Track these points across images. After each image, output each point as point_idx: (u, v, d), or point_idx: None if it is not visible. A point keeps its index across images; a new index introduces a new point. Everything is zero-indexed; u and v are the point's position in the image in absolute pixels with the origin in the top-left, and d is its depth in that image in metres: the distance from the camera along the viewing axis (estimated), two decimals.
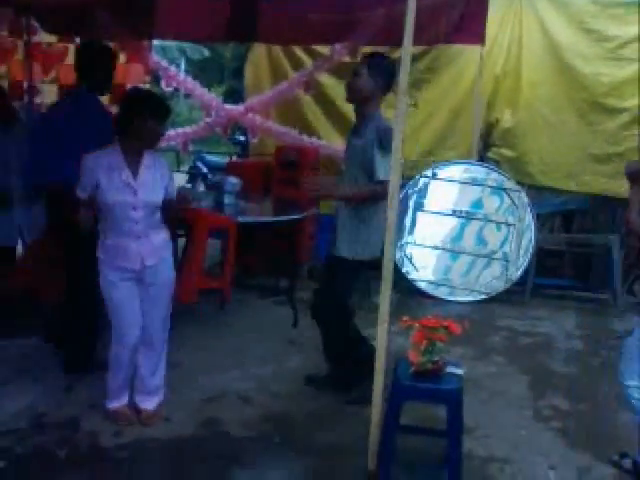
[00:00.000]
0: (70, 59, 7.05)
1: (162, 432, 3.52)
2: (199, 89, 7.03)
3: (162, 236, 3.47)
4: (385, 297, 3.04)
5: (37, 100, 7.08)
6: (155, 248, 3.42)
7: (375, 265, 3.61)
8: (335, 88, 6.89)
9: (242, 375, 4.26)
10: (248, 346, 4.76)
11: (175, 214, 3.62)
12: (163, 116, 3.33)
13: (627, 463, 3.34)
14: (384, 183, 3.31)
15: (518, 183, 6.31)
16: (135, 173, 3.31)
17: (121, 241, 3.33)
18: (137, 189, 3.30)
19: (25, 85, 6.65)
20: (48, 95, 7.14)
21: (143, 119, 3.24)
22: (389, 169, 3.24)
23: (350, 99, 3.80)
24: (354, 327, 3.99)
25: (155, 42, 11.76)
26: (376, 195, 3.56)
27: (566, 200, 6.57)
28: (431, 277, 6.23)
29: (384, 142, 3.45)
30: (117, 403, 3.59)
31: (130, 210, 3.29)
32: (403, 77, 2.87)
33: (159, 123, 3.32)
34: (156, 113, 3.29)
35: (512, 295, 6.13)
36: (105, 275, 3.38)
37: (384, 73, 3.67)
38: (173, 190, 3.53)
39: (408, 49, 2.85)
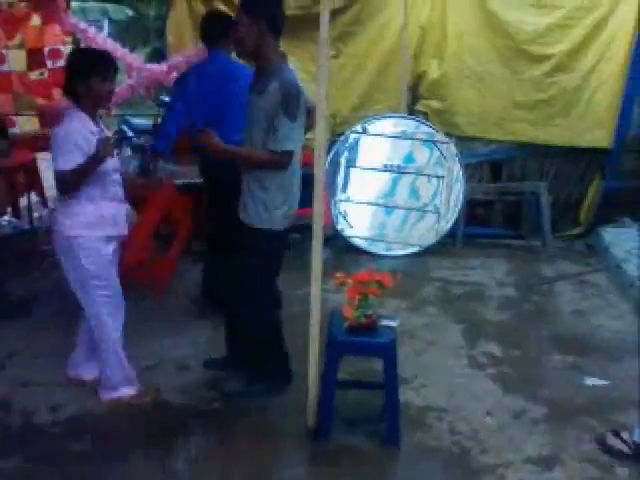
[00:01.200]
0: (35, 21, 6.76)
1: (99, 404, 3.45)
2: (120, 50, 6.76)
3: None
4: (317, 254, 3.02)
5: (4, 68, 6.79)
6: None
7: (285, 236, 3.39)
8: None
9: (178, 342, 4.20)
10: (182, 312, 4.68)
11: None
12: (114, 74, 3.26)
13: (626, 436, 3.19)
14: (287, 154, 3.12)
15: (447, 135, 6.34)
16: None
17: (111, 207, 3.26)
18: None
19: None
20: (14, 62, 6.84)
21: (100, 80, 3.16)
22: (295, 138, 3.11)
23: (241, 55, 3.36)
24: (277, 317, 3.62)
25: (75, 3, 11.31)
26: (276, 166, 3.17)
27: (494, 150, 6.65)
28: (366, 233, 6.23)
29: (290, 107, 3.08)
30: (130, 387, 3.47)
31: (116, 174, 3.29)
32: (323, 28, 2.80)
33: (112, 81, 3.25)
34: (108, 72, 3.22)
35: (444, 246, 6.21)
36: (99, 250, 3.23)
37: (264, 11, 3.13)
38: None
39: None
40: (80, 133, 3.12)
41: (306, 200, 3.22)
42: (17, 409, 3.43)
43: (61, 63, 6.79)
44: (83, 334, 3.52)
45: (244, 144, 3.33)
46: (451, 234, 6.26)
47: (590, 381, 3.85)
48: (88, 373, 3.55)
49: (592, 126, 6.42)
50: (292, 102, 3.09)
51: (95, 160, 3.07)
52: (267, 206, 3.23)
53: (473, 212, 6.57)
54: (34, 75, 7.02)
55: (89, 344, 3.48)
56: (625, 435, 3.16)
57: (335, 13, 6.15)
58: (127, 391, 3.43)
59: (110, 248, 3.28)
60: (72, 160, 3.07)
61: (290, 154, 3.15)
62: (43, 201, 6.57)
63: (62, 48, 6.96)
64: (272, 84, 3.10)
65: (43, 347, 4.07)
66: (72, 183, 3.11)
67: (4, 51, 6.84)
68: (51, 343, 4.06)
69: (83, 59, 3.28)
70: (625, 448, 3.12)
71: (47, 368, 3.78)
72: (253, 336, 3.50)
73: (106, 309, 3.30)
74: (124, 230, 3.37)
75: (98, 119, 3.32)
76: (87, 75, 3.14)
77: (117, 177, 3.31)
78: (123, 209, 3.37)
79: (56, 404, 3.46)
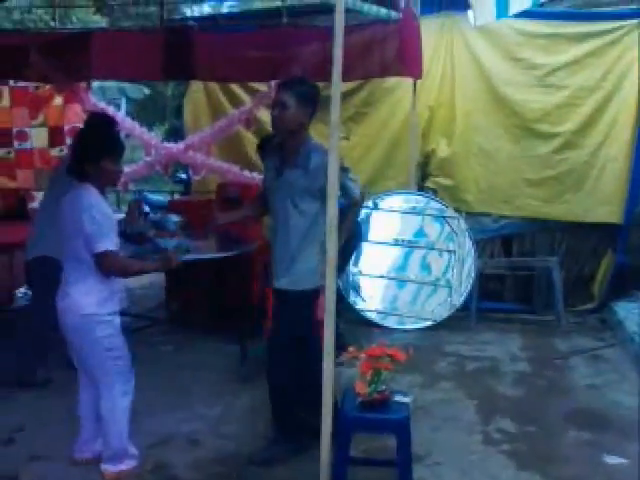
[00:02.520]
0: (57, 101, 7.10)
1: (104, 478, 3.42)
2: (138, 129, 7.01)
3: None
4: (329, 328, 3.04)
5: (27, 145, 7.08)
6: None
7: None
8: None
9: (189, 416, 4.18)
10: (194, 385, 4.68)
11: None
12: (120, 155, 3.30)
13: None
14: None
15: (456, 210, 6.44)
16: None
17: (115, 283, 3.34)
18: None
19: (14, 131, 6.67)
20: (37, 139, 7.14)
21: (111, 161, 3.22)
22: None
23: (280, 132, 3.55)
24: None
25: (94, 83, 11.74)
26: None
27: (504, 225, 6.72)
28: (379, 306, 6.26)
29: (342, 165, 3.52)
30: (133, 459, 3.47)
31: None
32: (334, 111, 2.91)
33: (118, 162, 3.30)
34: (119, 153, 3.28)
35: (458, 320, 6.20)
36: (112, 323, 3.28)
37: (311, 100, 3.50)
38: None
39: (337, 83, 2.90)
40: (108, 211, 3.24)
41: None
42: None
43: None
44: (88, 413, 3.48)
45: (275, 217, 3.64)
46: (464, 308, 6.26)
47: (610, 459, 3.77)
48: (97, 450, 3.51)
49: (601, 202, 6.51)
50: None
51: (158, 269, 3.51)
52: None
53: (486, 286, 6.58)
54: (54, 151, 7.26)
55: (95, 421, 3.45)
56: None
57: (346, 95, 6.37)
58: (131, 463, 3.41)
59: (118, 319, 3.34)
60: (113, 240, 3.18)
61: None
62: None
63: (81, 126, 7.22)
64: (310, 155, 3.47)
65: (54, 419, 4.06)
66: (122, 270, 3.29)
67: (28, 129, 7.11)
68: (62, 415, 4.06)
69: (94, 139, 3.31)
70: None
71: (56, 441, 3.78)
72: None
73: (121, 377, 3.31)
74: (124, 303, 3.57)
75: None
76: (99, 157, 3.17)
77: None
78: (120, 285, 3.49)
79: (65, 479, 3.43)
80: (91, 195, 3.18)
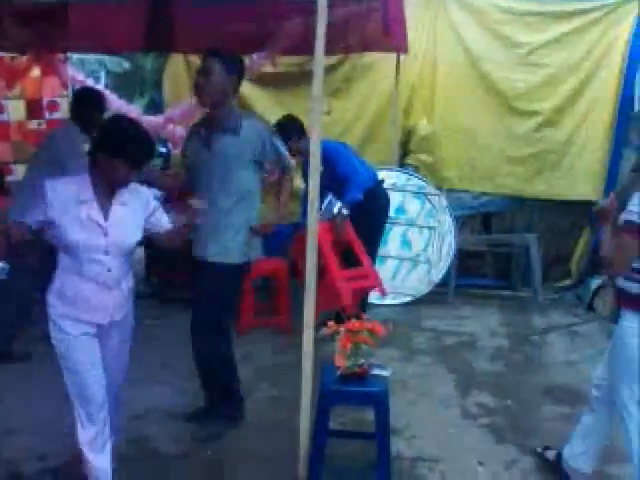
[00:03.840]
0: (35, 73, 6.93)
1: None
2: (117, 101, 6.91)
3: (130, 283, 2.98)
4: (309, 303, 3.05)
5: (3, 116, 6.92)
6: (125, 298, 2.93)
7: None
8: (258, 97, 6.89)
9: (169, 390, 4.20)
10: (174, 360, 4.68)
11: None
12: (138, 163, 2.74)
13: (550, 454, 3.44)
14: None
15: (437, 187, 6.46)
16: (106, 211, 2.77)
17: (85, 289, 2.76)
18: (108, 230, 2.76)
19: None
20: (13, 111, 6.97)
21: (125, 165, 2.69)
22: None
23: (204, 100, 3.42)
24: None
25: (74, 55, 11.53)
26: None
27: (484, 202, 6.76)
28: None
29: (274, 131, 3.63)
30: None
31: (100, 254, 2.75)
32: (316, 85, 2.89)
33: (132, 168, 2.72)
34: (139, 161, 2.75)
35: (436, 296, 6.25)
36: (60, 327, 2.78)
37: (236, 67, 3.47)
38: (161, 220, 3.00)
39: (320, 57, 2.88)
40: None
41: None
42: (4, 458, 3.40)
43: (58, 115, 6.92)
44: None
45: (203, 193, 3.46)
46: (443, 284, 6.31)
47: None
48: None
49: (581, 180, 6.57)
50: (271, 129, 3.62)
51: None
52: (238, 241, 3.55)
53: (464, 263, 6.63)
54: (32, 125, 7.13)
55: None
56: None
57: (328, 70, 6.33)
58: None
59: (80, 330, 2.79)
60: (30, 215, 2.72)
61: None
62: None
63: (59, 100, 7.10)
64: (242, 124, 3.43)
65: (34, 394, 4.06)
66: None
67: (3, 101, 6.97)
68: (42, 390, 4.05)
69: (120, 133, 2.72)
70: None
71: (36, 415, 3.78)
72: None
73: (75, 398, 2.88)
74: (103, 318, 2.84)
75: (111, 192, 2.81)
76: (115, 152, 2.68)
77: (103, 258, 2.76)
78: (108, 296, 2.82)
79: (44, 453, 3.43)
80: (72, 178, 2.80)
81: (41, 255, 3.75)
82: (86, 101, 4.83)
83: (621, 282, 2.87)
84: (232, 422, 3.72)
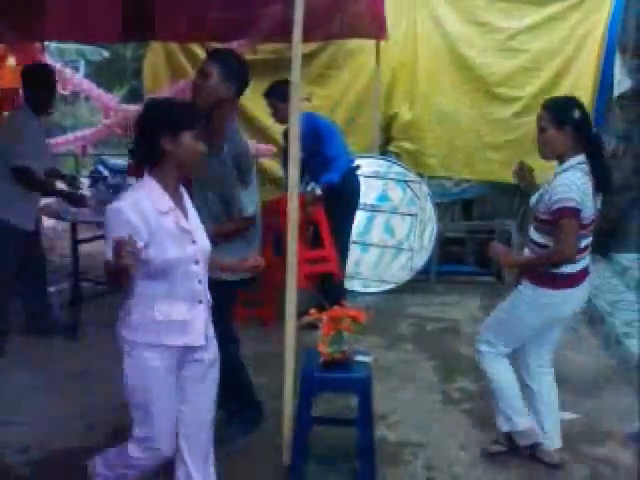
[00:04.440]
0: (10, 62, 6.80)
1: (72, 443, 3.43)
2: (96, 90, 6.86)
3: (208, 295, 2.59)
4: (291, 292, 3.06)
5: None
6: (209, 311, 2.57)
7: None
8: None
9: None
10: None
11: None
12: (196, 125, 2.42)
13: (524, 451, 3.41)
14: (251, 217, 3.16)
15: (418, 174, 6.47)
16: (185, 213, 2.46)
17: (179, 310, 2.40)
18: (194, 235, 2.44)
19: None
20: None
21: (192, 136, 2.38)
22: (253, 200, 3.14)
23: (198, 102, 3.12)
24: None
25: (52, 44, 11.40)
26: (243, 231, 3.21)
27: (465, 189, 6.79)
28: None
29: (244, 172, 3.12)
30: None
31: (192, 264, 2.42)
32: (295, 72, 2.88)
33: (196, 137, 2.41)
34: (188, 123, 2.40)
35: (419, 283, 6.28)
36: (144, 359, 2.39)
37: (236, 75, 3.19)
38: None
39: (298, 43, 2.87)
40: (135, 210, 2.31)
41: None
42: None
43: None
44: None
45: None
46: (425, 271, 6.34)
47: (562, 415, 3.88)
48: None
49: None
50: (245, 168, 3.13)
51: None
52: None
53: (446, 250, 6.67)
54: (6, 114, 7.04)
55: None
56: (500, 438, 3.42)
57: (309, 57, 6.31)
58: None
59: (165, 362, 2.41)
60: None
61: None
62: None
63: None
64: (228, 144, 3.12)
65: (18, 385, 4.04)
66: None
67: None
68: (26, 381, 4.04)
69: (169, 109, 2.42)
70: (502, 447, 3.40)
71: (24, 406, 3.78)
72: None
73: (139, 431, 2.53)
74: (198, 340, 2.46)
75: (180, 192, 2.50)
76: (176, 127, 2.35)
77: (195, 269, 2.43)
78: (199, 312, 2.47)
79: (28, 445, 3.42)
80: (136, 190, 2.42)
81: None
82: (33, 80, 4.54)
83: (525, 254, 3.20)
84: (254, 425, 3.58)
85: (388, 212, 6.39)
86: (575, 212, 2.93)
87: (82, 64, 15.53)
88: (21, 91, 6.90)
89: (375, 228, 6.39)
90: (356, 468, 3.15)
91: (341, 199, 5.07)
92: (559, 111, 3.10)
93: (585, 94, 6.45)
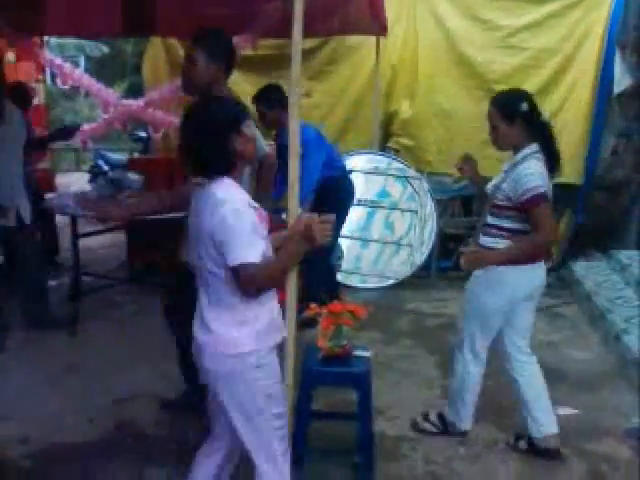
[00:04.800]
0: (9, 57, 6.79)
1: (72, 437, 3.44)
2: (96, 85, 6.86)
3: None
4: (291, 285, 3.06)
5: None
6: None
7: None
8: (237, 81, 6.84)
9: (154, 374, 4.20)
10: (158, 344, 4.67)
11: None
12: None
13: (522, 444, 3.48)
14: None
15: (418, 171, 6.48)
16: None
17: (274, 307, 2.38)
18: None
19: None
20: None
21: (246, 128, 2.31)
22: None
23: (187, 88, 3.25)
24: None
25: (53, 40, 11.39)
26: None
27: (465, 185, 6.77)
28: (343, 266, 6.30)
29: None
30: None
31: None
32: (295, 68, 2.88)
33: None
34: (246, 115, 2.35)
35: (418, 279, 6.29)
36: (273, 364, 2.34)
37: (223, 55, 3.21)
38: None
39: (298, 39, 2.87)
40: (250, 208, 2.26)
41: None
42: None
43: (34, 101, 6.81)
44: None
45: None
46: (425, 267, 6.34)
47: (561, 410, 3.90)
48: None
49: (560, 163, 6.58)
50: None
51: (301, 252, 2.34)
52: None
53: (446, 246, 6.67)
54: None
55: None
56: (432, 417, 3.61)
57: (309, 53, 6.32)
58: None
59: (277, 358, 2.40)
60: (258, 249, 2.20)
61: None
62: None
63: (35, 85, 7.01)
64: None
65: (18, 379, 4.05)
66: (266, 282, 2.27)
67: None
68: (26, 375, 4.05)
69: (228, 108, 2.34)
70: (433, 428, 3.57)
71: (20, 399, 3.79)
72: None
73: (280, 446, 2.40)
74: (285, 331, 2.51)
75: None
76: (239, 123, 2.28)
77: None
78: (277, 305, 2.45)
79: (27, 437, 3.43)
80: (235, 192, 2.29)
81: None
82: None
83: (480, 238, 3.29)
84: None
85: (388, 208, 6.40)
86: (545, 196, 3.08)
87: (82, 59, 15.53)
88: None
89: (375, 224, 6.40)
90: (355, 462, 3.16)
91: (332, 201, 5.04)
92: (506, 107, 3.21)
93: (585, 91, 6.48)
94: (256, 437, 2.32)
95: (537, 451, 3.37)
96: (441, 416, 3.60)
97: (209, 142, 2.25)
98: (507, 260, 3.15)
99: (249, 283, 2.20)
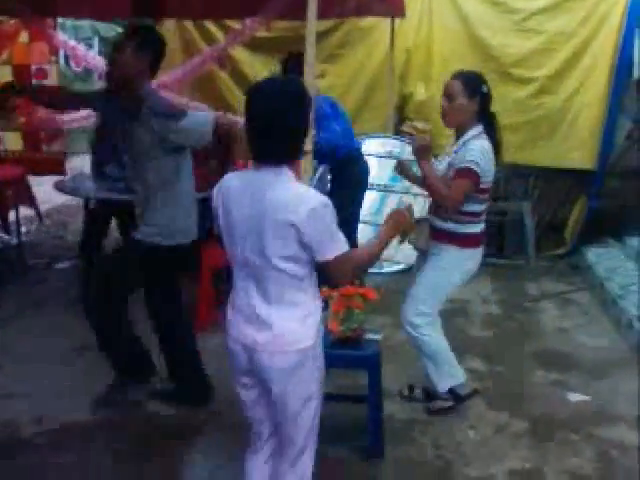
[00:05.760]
0: (23, 38, 6.77)
1: (84, 417, 3.48)
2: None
3: None
4: None
5: None
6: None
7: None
8: (251, 64, 6.84)
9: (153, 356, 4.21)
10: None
11: None
12: None
13: (418, 393, 3.78)
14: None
15: (433, 155, 6.42)
16: None
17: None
18: None
19: None
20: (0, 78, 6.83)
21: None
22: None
23: (118, 75, 3.24)
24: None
25: (67, 21, 11.36)
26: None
27: None
28: None
29: (176, 113, 3.25)
30: None
31: None
32: (309, 50, 2.87)
33: None
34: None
35: None
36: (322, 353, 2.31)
37: (152, 47, 3.28)
38: None
39: (312, 21, 2.85)
40: None
41: None
42: (1, 421, 3.44)
43: (46, 82, 6.81)
44: None
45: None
46: None
47: (573, 397, 3.90)
48: None
49: (575, 147, 6.54)
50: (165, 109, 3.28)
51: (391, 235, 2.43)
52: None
53: None
54: None
55: None
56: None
57: (322, 35, 6.26)
58: None
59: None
60: (343, 237, 2.19)
61: None
62: (38, 214, 6.53)
63: (47, 67, 6.99)
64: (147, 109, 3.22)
65: (29, 359, 4.08)
66: (360, 268, 2.34)
67: None
68: (36, 355, 4.08)
69: (303, 92, 2.18)
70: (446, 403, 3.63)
71: (32, 379, 3.81)
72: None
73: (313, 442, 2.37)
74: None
75: None
76: (307, 111, 2.19)
77: None
78: None
79: (41, 415, 3.47)
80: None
81: None
82: None
83: (438, 222, 3.45)
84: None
85: (400, 192, 6.37)
86: (474, 175, 3.24)
87: (96, 41, 15.51)
88: (33, 68, 6.98)
89: (387, 208, 6.35)
90: (365, 444, 3.17)
91: (345, 184, 5.04)
92: (470, 82, 3.39)
93: (601, 76, 6.39)
94: (305, 422, 2.27)
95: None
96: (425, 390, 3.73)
97: (291, 123, 2.10)
98: (428, 177, 3.38)
99: (346, 272, 2.19)
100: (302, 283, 2.16)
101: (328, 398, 3.28)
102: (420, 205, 6.29)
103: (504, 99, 6.55)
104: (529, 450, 3.34)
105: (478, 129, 3.35)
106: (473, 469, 3.15)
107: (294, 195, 2.09)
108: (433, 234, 3.48)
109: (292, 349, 2.15)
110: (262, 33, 6.25)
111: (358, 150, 5.31)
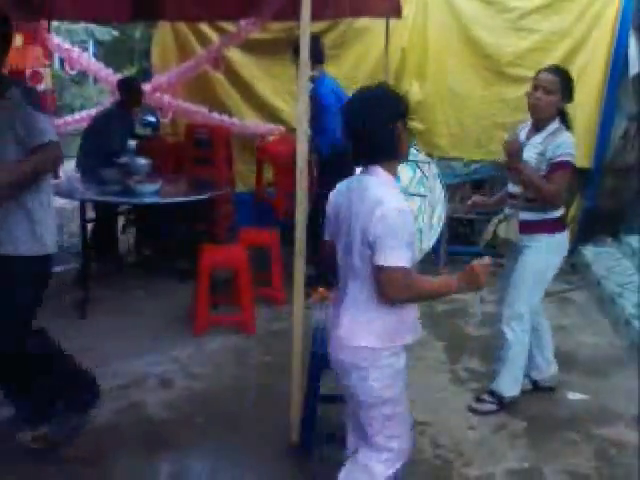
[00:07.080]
0: (17, 41, 6.69)
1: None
2: (104, 70, 6.83)
3: None
4: (299, 271, 3.05)
5: None
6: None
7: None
8: (246, 65, 6.83)
9: (161, 358, 4.21)
10: (165, 329, 4.69)
11: None
12: None
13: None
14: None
15: (428, 155, 6.42)
16: None
17: (401, 308, 2.43)
18: None
19: None
20: None
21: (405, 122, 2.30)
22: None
23: None
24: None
25: (61, 24, 11.34)
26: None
27: (475, 169, 6.74)
28: None
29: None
30: None
31: None
32: (303, 50, 2.86)
33: None
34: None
35: (427, 264, 6.24)
36: (395, 369, 2.38)
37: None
38: None
39: (306, 22, 2.84)
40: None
41: None
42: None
43: (41, 86, 6.78)
44: None
45: None
46: (434, 252, 6.30)
47: (572, 395, 3.90)
48: None
49: None
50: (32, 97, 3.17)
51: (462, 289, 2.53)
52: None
53: (455, 231, 6.64)
54: None
55: None
56: (485, 396, 3.72)
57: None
58: None
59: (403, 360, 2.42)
60: (409, 254, 2.25)
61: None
62: None
63: (42, 70, 6.96)
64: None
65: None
66: (407, 293, 2.34)
67: None
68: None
69: (396, 95, 2.32)
70: (492, 407, 3.66)
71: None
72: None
73: (385, 456, 2.43)
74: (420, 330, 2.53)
75: None
76: (398, 115, 2.26)
77: None
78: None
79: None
80: (394, 191, 2.31)
81: None
82: None
83: (527, 215, 3.57)
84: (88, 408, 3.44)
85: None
86: (572, 166, 3.52)
87: (91, 44, 15.50)
88: (27, 72, 6.95)
89: None
90: None
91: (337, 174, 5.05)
92: (568, 82, 3.63)
93: (596, 74, 6.38)
94: (371, 428, 2.41)
95: None
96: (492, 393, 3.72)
97: (383, 123, 2.21)
98: (528, 176, 3.46)
99: (392, 287, 2.22)
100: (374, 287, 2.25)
101: (326, 399, 3.31)
102: (416, 205, 6.29)
103: (499, 98, 6.58)
104: (528, 449, 3.33)
105: (557, 121, 3.54)
106: (472, 469, 3.15)
107: (371, 200, 2.18)
108: (522, 227, 3.58)
109: (351, 345, 2.33)
110: (256, 35, 6.25)
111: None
